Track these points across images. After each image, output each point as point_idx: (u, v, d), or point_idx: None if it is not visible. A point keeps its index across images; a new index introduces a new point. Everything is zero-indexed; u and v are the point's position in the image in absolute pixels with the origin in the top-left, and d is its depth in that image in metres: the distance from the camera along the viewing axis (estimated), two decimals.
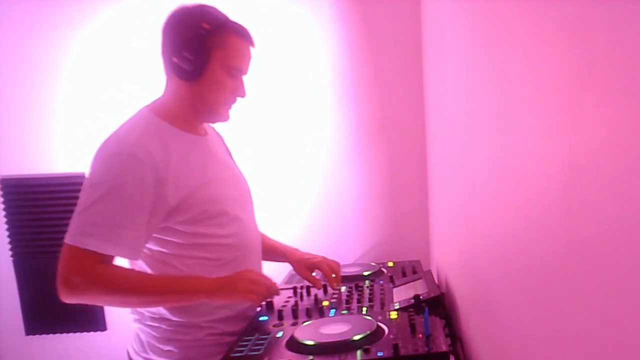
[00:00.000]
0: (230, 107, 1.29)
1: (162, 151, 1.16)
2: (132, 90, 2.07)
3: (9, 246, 2.26)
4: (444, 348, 1.02)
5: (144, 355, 1.27)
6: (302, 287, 1.56)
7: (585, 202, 0.46)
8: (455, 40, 1.25)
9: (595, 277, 0.45)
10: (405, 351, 1.02)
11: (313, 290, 1.53)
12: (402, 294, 1.44)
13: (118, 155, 1.13)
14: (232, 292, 1.20)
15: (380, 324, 1.17)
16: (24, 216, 2.25)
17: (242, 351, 1.13)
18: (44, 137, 2.24)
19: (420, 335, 1.09)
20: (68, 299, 1.12)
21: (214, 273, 1.24)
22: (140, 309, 1.26)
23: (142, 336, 1.28)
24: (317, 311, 1.37)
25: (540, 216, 0.60)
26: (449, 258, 1.64)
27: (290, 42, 2.19)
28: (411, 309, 1.25)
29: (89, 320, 2.30)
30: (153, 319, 1.24)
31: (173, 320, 1.23)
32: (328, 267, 1.49)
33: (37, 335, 2.33)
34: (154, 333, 1.25)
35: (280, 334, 1.21)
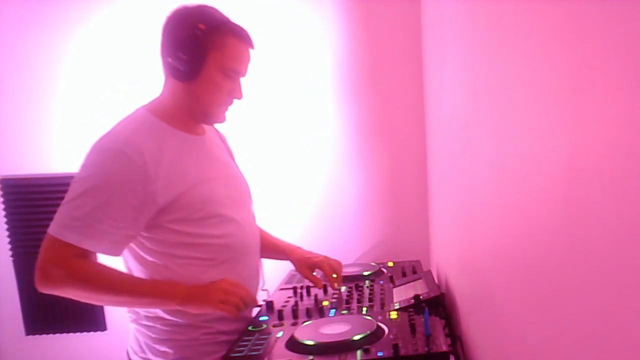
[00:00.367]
0: (226, 109, 1.28)
1: (154, 149, 1.16)
2: (130, 90, 2.06)
3: (9, 246, 2.26)
4: (444, 348, 1.02)
5: (142, 355, 1.27)
6: (302, 287, 1.56)
7: (585, 202, 0.46)
8: (456, 41, 1.25)
9: (595, 277, 0.45)
10: (405, 351, 1.02)
11: (313, 290, 1.53)
12: (402, 294, 1.44)
13: (108, 152, 1.14)
14: (202, 301, 1.18)
15: (380, 324, 1.17)
16: (24, 216, 2.25)
17: (242, 351, 1.13)
18: (43, 137, 2.24)
19: (420, 335, 1.09)
20: (43, 289, 1.12)
21: (207, 273, 1.23)
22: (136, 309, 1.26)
23: (139, 336, 1.28)
24: (317, 311, 1.37)
25: (540, 216, 0.60)
26: (449, 258, 1.64)
27: (291, 42, 2.19)
28: (411, 309, 1.25)
29: (89, 320, 2.30)
30: (148, 318, 1.24)
31: (168, 320, 1.23)
32: (329, 267, 1.49)
33: (37, 335, 2.33)
34: (149, 333, 1.25)
35: (280, 334, 1.21)
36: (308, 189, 2.26)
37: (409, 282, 1.56)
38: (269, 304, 1.43)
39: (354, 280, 1.64)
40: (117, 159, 1.13)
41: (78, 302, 1.16)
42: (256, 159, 2.17)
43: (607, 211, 0.41)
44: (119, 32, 2.17)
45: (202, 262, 1.24)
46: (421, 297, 1.34)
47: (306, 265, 1.50)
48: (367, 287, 1.57)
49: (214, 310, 1.19)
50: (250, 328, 1.27)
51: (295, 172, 2.26)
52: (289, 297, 1.51)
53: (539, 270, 0.62)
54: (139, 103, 1.28)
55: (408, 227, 2.27)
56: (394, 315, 1.25)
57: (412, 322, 1.13)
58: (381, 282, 1.61)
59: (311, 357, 1.05)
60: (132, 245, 1.21)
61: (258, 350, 1.12)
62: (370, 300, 1.43)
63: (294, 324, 1.27)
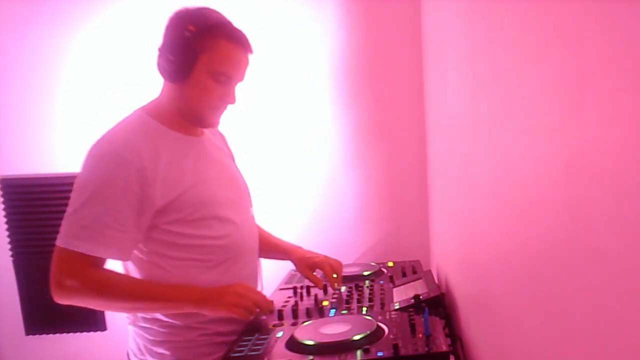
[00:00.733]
0: (219, 113, 1.26)
1: (151, 152, 1.16)
2: (131, 91, 2.06)
3: (9, 246, 2.26)
4: (444, 348, 1.02)
5: (141, 357, 1.27)
6: (302, 287, 1.56)
7: (585, 202, 0.46)
8: (456, 41, 1.25)
9: (595, 277, 0.45)
10: (405, 351, 1.02)
11: (313, 290, 1.53)
12: (402, 294, 1.44)
13: (106, 156, 1.14)
14: (216, 303, 1.19)
15: (380, 324, 1.17)
16: (24, 216, 2.25)
17: (242, 351, 1.13)
18: (43, 137, 2.24)
19: (420, 335, 1.09)
20: (60, 300, 1.15)
21: (204, 275, 1.23)
22: None
23: (137, 338, 1.28)
24: (317, 311, 1.37)
25: (540, 216, 0.60)
26: (449, 258, 1.64)
27: (290, 42, 2.19)
28: (411, 309, 1.25)
29: (89, 320, 2.30)
30: (145, 320, 1.25)
31: (165, 322, 1.23)
32: (330, 267, 1.49)
33: (37, 335, 2.33)
34: (146, 335, 1.25)
35: (280, 334, 1.21)
36: (308, 189, 2.26)
37: (409, 282, 1.56)
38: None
39: (354, 280, 1.63)
40: (116, 163, 1.13)
41: None
42: (256, 160, 2.17)
43: (607, 211, 0.41)
44: (121, 32, 2.17)
45: (199, 263, 1.24)
46: (421, 297, 1.34)
47: (307, 265, 1.50)
48: (367, 287, 1.57)
49: (227, 314, 1.19)
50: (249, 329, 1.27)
51: (295, 172, 2.25)
52: (289, 297, 1.51)
53: (538, 270, 0.62)
54: (141, 103, 1.28)
55: (408, 227, 2.27)
56: (394, 315, 1.24)
57: (412, 322, 1.13)
58: (381, 282, 1.61)
59: (311, 357, 1.05)
60: None
61: (258, 350, 1.12)
62: (370, 300, 1.43)
63: (294, 324, 1.27)
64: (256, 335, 1.22)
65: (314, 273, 1.50)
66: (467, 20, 1.07)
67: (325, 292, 1.52)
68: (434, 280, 1.55)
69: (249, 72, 1.27)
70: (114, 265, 1.21)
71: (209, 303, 1.19)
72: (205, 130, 1.34)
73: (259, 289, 1.40)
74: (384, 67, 2.21)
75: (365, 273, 1.72)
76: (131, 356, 1.31)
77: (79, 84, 2.21)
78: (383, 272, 1.74)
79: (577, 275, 0.49)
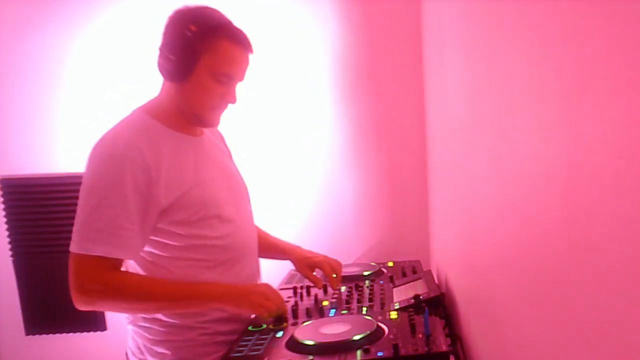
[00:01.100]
0: (219, 113, 1.26)
1: (153, 151, 1.17)
2: (131, 90, 2.06)
3: (9, 246, 2.26)
4: (444, 348, 1.02)
5: (140, 357, 1.27)
6: (302, 287, 1.56)
7: (585, 201, 0.46)
8: (456, 40, 1.25)
9: (595, 277, 0.45)
10: (405, 351, 1.02)
11: (313, 290, 1.53)
12: (402, 294, 1.44)
13: (111, 157, 1.14)
14: (242, 301, 1.22)
15: (380, 324, 1.17)
16: (24, 216, 2.25)
17: (242, 351, 1.13)
18: (43, 137, 2.24)
19: (420, 335, 1.09)
20: (82, 306, 1.14)
21: (205, 274, 1.24)
22: None
23: (137, 338, 1.28)
24: (317, 311, 1.37)
25: (540, 216, 0.60)
26: (449, 258, 1.64)
27: (290, 41, 2.19)
28: (411, 309, 1.25)
29: (89, 320, 2.30)
30: (146, 319, 1.25)
31: (165, 321, 1.23)
32: (329, 267, 1.49)
33: (37, 335, 2.33)
34: (146, 334, 1.25)
35: (280, 334, 1.21)
36: (308, 189, 2.26)
37: (409, 282, 1.56)
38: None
39: (354, 280, 1.63)
40: (121, 164, 1.13)
41: None
42: (255, 159, 2.17)
43: (607, 211, 0.41)
44: (122, 32, 2.17)
45: (201, 263, 1.24)
46: (421, 297, 1.34)
47: (306, 265, 1.50)
48: (367, 287, 1.56)
49: (251, 312, 1.23)
50: (250, 328, 1.27)
51: (294, 172, 2.25)
52: (289, 297, 1.50)
53: (538, 270, 0.62)
54: (140, 103, 1.27)
55: (408, 227, 2.27)
56: (394, 315, 1.25)
57: (412, 322, 1.13)
58: (381, 282, 1.61)
59: (311, 357, 1.05)
60: None
61: (258, 350, 1.12)
62: (370, 300, 1.43)
63: (294, 324, 1.27)
64: (256, 335, 1.22)
65: (314, 273, 1.50)
66: (467, 19, 1.07)
67: (325, 292, 1.52)
68: (434, 280, 1.55)
69: (249, 71, 1.27)
70: None
71: (236, 299, 1.22)
72: (205, 130, 1.34)
73: None
74: (384, 67, 2.20)
75: (365, 273, 1.72)
76: (130, 356, 1.31)
77: (79, 84, 2.21)
78: (383, 272, 1.74)
79: (577, 275, 0.49)
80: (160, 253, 1.21)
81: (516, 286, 0.75)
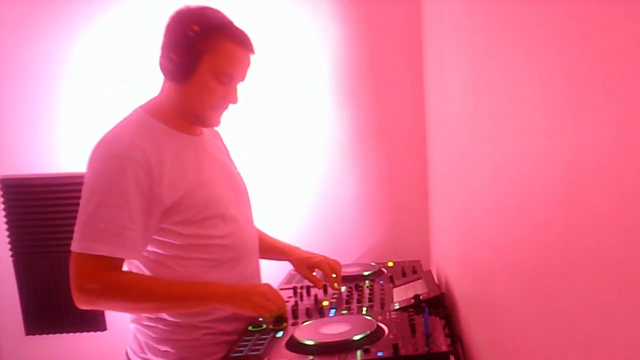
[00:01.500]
0: (220, 113, 1.27)
1: (156, 151, 1.17)
2: (132, 91, 2.06)
3: (9, 246, 2.26)
4: (444, 348, 1.02)
5: (142, 355, 1.27)
6: (302, 287, 1.56)
7: (585, 201, 0.46)
8: (456, 41, 1.25)
9: (595, 277, 0.45)
10: (405, 351, 1.02)
11: (313, 290, 1.53)
12: (402, 294, 1.44)
13: (114, 157, 1.14)
14: (243, 302, 1.21)
15: (380, 324, 1.17)
16: (24, 216, 2.25)
17: (242, 351, 1.13)
18: (44, 137, 2.24)
19: (420, 335, 1.09)
20: (83, 305, 1.14)
21: (209, 274, 1.24)
22: None
23: (139, 336, 1.28)
24: (317, 311, 1.37)
25: (540, 216, 0.60)
26: (449, 258, 1.64)
27: (289, 41, 2.19)
28: (411, 309, 1.25)
29: (89, 320, 2.30)
30: (149, 318, 1.25)
31: (169, 320, 1.23)
32: (329, 267, 1.49)
33: (37, 335, 2.33)
34: (150, 333, 1.25)
35: (280, 334, 1.21)
36: (307, 189, 2.26)
37: (409, 282, 1.56)
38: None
39: (354, 280, 1.63)
40: (123, 163, 1.13)
41: None
42: (255, 159, 2.17)
43: (607, 211, 0.41)
44: (123, 33, 2.17)
45: (204, 262, 1.24)
46: (421, 297, 1.34)
47: (305, 265, 1.50)
48: (367, 287, 1.57)
49: (251, 313, 1.22)
50: (250, 328, 1.27)
51: (294, 172, 2.25)
52: (289, 297, 1.50)
53: (538, 270, 0.62)
54: (140, 103, 1.27)
55: (408, 227, 2.27)
56: (394, 315, 1.24)
57: (412, 322, 1.13)
58: (381, 282, 1.61)
59: (311, 357, 1.05)
60: None
61: (258, 350, 1.12)
62: (370, 300, 1.43)
63: (294, 324, 1.27)
64: (256, 335, 1.22)
65: (313, 273, 1.50)
66: (467, 19, 1.07)
67: (325, 292, 1.52)
68: (434, 280, 1.55)
69: (250, 72, 1.27)
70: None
71: (237, 300, 1.21)
72: (204, 130, 1.34)
73: None
74: (384, 67, 2.20)
75: (365, 273, 1.72)
76: (130, 354, 1.30)
77: (80, 83, 2.21)
78: (383, 272, 1.74)
79: (577, 275, 0.49)
80: (164, 252, 1.22)
81: (516, 286, 0.75)
